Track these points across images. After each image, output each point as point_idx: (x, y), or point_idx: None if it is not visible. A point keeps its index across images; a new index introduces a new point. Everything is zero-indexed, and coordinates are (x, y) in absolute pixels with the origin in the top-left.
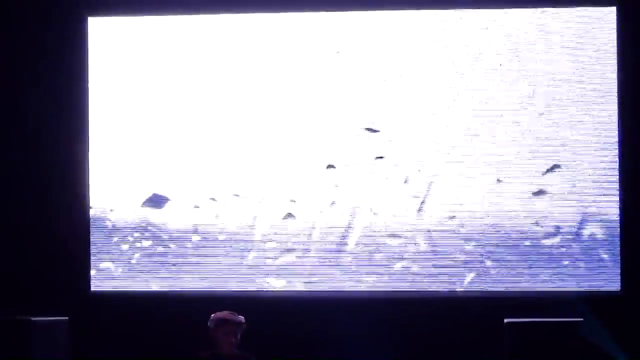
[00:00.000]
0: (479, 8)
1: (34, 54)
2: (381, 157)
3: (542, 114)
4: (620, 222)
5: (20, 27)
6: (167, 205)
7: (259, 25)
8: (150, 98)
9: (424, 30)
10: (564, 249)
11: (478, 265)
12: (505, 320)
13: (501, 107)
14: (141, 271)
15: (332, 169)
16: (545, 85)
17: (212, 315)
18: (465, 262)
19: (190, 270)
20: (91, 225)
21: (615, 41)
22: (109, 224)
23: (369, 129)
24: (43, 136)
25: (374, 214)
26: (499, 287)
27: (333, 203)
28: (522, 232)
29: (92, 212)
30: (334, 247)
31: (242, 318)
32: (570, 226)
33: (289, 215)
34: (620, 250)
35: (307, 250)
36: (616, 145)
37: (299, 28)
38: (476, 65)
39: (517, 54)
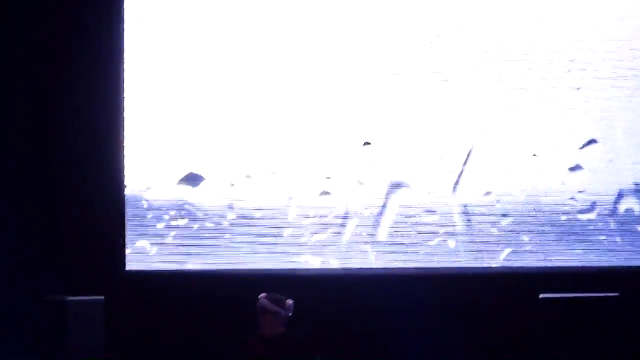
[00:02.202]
0: None
1: (70, 29)
2: (416, 133)
3: (579, 88)
4: None
5: (57, 2)
6: (203, 183)
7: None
8: (187, 76)
9: (461, 6)
10: (600, 224)
11: (514, 241)
12: (541, 296)
13: (537, 81)
14: (176, 250)
15: (368, 145)
16: (583, 60)
17: (260, 296)
18: (501, 237)
19: (226, 248)
20: (126, 204)
21: None
22: (144, 202)
23: (404, 106)
24: (79, 114)
25: (410, 190)
26: (535, 263)
27: (368, 180)
28: (558, 207)
29: (127, 191)
30: (369, 224)
31: (289, 304)
32: (607, 201)
33: (325, 192)
34: None
35: (343, 227)
36: None
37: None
38: (511, 41)
39: (553, 30)
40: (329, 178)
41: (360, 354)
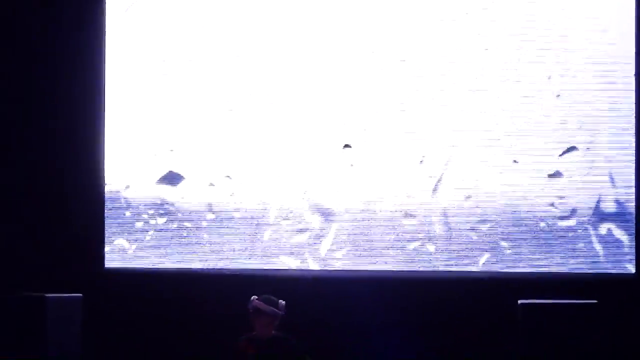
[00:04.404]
0: None
1: (49, 26)
2: (397, 137)
3: (559, 95)
4: (636, 204)
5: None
6: (182, 183)
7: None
8: (168, 75)
9: (441, 6)
10: (579, 231)
11: (493, 246)
12: (519, 302)
13: (518, 88)
14: (155, 249)
15: (348, 148)
16: (563, 67)
17: (253, 298)
18: (480, 242)
19: (204, 248)
20: (106, 202)
21: (634, 20)
22: (123, 201)
23: (385, 109)
24: (58, 112)
25: (390, 193)
26: (514, 268)
27: (348, 183)
28: (537, 214)
29: (107, 189)
30: (348, 227)
31: (281, 305)
32: (586, 208)
33: (305, 194)
34: (636, 232)
35: (322, 229)
36: (633, 127)
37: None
38: (493, 46)
39: (535, 35)
40: (309, 180)
41: (340, 357)
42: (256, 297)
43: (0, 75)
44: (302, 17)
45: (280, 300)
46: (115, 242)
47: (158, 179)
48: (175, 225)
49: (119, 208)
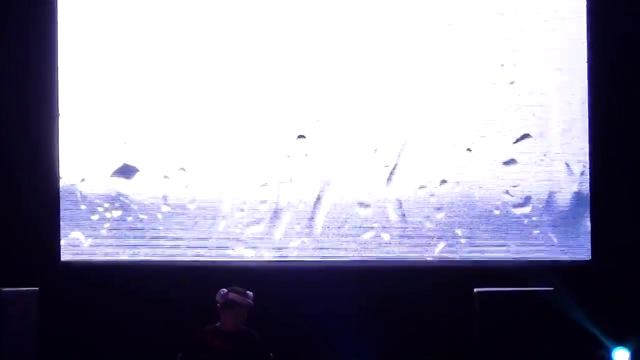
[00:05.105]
0: None
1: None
2: (351, 127)
3: (513, 82)
4: (590, 191)
5: None
6: (137, 175)
7: None
8: (121, 67)
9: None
10: (534, 218)
11: (448, 235)
12: (475, 290)
13: (471, 76)
14: (111, 241)
15: (302, 138)
16: (515, 55)
17: (222, 290)
18: (436, 231)
19: (160, 240)
20: (61, 196)
21: (585, 9)
22: (78, 194)
23: (338, 99)
24: (12, 105)
25: (344, 183)
26: (469, 257)
27: (303, 173)
28: (492, 202)
29: (61, 183)
30: (303, 217)
31: (251, 295)
32: (541, 195)
33: (259, 185)
34: (591, 218)
35: (277, 219)
36: (586, 115)
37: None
38: (445, 35)
39: (487, 23)
40: (263, 170)
41: (297, 348)
42: (226, 289)
43: None
44: (254, 7)
45: (249, 292)
46: (70, 236)
47: (113, 171)
48: (130, 217)
49: (74, 201)
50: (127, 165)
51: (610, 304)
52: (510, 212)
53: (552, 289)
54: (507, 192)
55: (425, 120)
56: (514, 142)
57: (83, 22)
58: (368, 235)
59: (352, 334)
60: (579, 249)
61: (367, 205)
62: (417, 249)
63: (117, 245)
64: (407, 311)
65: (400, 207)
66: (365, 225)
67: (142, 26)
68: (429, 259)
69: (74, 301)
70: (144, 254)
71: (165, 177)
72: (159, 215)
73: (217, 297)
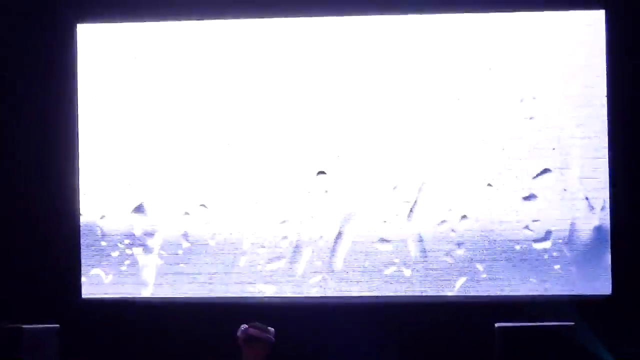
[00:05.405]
0: (466, 12)
1: (22, 61)
2: (371, 163)
3: (532, 118)
4: (610, 225)
5: (9, 34)
6: (158, 212)
7: (242, 30)
8: (140, 105)
9: (412, 34)
10: (555, 253)
11: (469, 270)
12: (496, 325)
13: (491, 111)
14: (132, 278)
15: (322, 175)
16: (536, 90)
17: (243, 326)
18: (456, 266)
19: (181, 276)
20: (81, 232)
21: (605, 44)
22: (99, 231)
23: (358, 135)
24: (33, 143)
25: (365, 219)
26: (490, 292)
27: (323, 209)
28: (512, 236)
29: (82, 219)
30: (324, 253)
31: (272, 331)
32: (561, 230)
33: (280, 221)
34: (612, 253)
35: (298, 256)
36: (606, 150)
37: (282, 32)
38: (466, 70)
39: (507, 58)
40: (284, 207)
41: None
42: (246, 325)
43: None
44: (272, 44)
45: (270, 328)
46: (91, 273)
47: (133, 208)
48: (151, 254)
49: (95, 238)
50: (147, 201)
51: (631, 339)
52: (530, 247)
53: (572, 323)
54: (527, 227)
55: (445, 155)
56: (534, 177)
57: (104, 58)
58: (389, 271)
59: None
60: (600, 284)
61: (387, 241)
62: (438, 284)
63: (138, 282)
64: (429, 347)
65: (421, 242)
66: (386, 261)
67: (163, 65)
68: (449, 294)
69: (95, 338)
70: (164, 291)
71: (186, 213)
72: (180, 252)
73: (238, 333)
